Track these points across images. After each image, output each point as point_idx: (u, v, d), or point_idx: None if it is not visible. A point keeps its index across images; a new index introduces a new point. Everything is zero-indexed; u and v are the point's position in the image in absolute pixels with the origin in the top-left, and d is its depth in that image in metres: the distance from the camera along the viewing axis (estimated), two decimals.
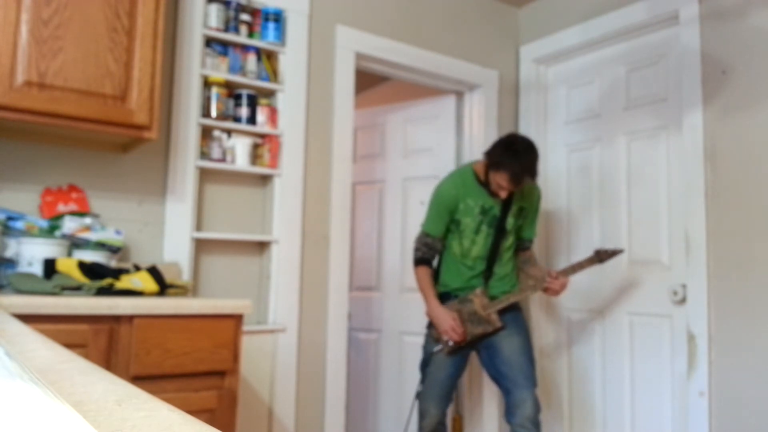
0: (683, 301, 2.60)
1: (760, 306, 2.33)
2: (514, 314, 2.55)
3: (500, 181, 2.37)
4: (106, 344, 1.59)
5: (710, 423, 2.43)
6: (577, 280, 3.05)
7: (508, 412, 2.41)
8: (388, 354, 3.36)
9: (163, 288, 1.94)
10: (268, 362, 2.49)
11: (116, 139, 2.12)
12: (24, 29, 1.79)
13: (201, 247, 2.43)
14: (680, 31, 2.67)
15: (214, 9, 2.44)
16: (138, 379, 1.62)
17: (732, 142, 2.46)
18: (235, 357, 1.77)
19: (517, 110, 3.41)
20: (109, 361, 1.59)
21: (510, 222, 2.54)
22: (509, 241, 2.57)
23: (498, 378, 2.48)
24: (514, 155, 2.32)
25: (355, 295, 3.52)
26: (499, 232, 2.53)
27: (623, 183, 2.92)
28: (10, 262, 1.89)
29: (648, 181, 2.81)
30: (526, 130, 3.34)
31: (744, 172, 2.41)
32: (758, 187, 2.36)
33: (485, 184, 2.50)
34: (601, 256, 2.48)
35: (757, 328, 2.32)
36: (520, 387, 2.39)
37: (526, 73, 3.38)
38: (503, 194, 2.42)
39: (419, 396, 2.54)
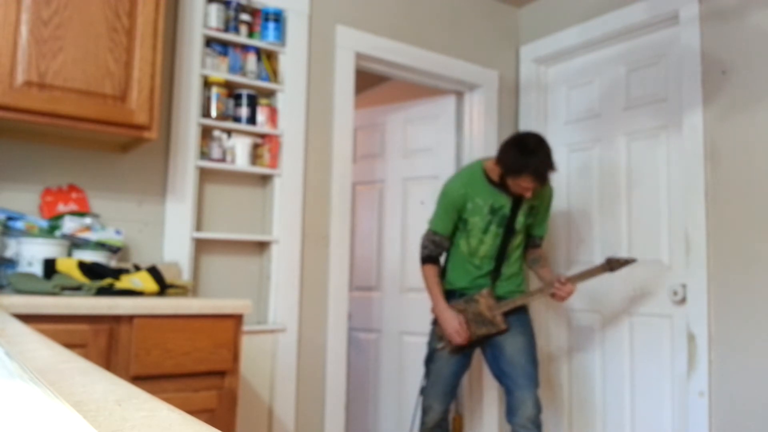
0: (683, 301, 2.60)
1: (760, 306, 2.32)
2: (520, 315, 2.54)
3: (524, 184, 2.34)
4: (106, 344, 1.59)
5: (710, 423, 2.43)
6: None
7: (509, 412, 2.42)
8: (388, 354, 3.36)
9: (163, 288, 1.94)
10: (268, 362, 2.49)
11: (116, 139, 2.12)
12: (24, 29, 1.79)
13: (201, 247, 2.43)
14: (680, 31, 2.67)
15: (214, 9, 2.44)
16: (138, 379, 1.62)
17: (732, 142, 2.46)
18: (235, 357, 1.77)
19: (517, 110, 3.41)
20: (109, 361, 1.59)
21: (520, 221, 2.51)
22: (518, 240, 2.55)
23: (501, 377, 2.49)
24: (531, 154, 2.28)
25: (355, 295, 3.52)
26: (509, 231, 2.50)
27: (623, 183, 2.92)
28: (10, 262, 1.89)
29: (648, 181, 2.81)
30: (525, 129, 3.34)
31: (744, 172, 2.41)
32: (758, 187, 2.36)
33: (496, 183, 2.46)
34: (612, 265, 2.41)
35: (757, 328, 2.32)
36: (521, 387, 2.40)
37: (526, 73, 3.38)
38: (529, 194, 2.39)
39: (423, 392, 2.56)
